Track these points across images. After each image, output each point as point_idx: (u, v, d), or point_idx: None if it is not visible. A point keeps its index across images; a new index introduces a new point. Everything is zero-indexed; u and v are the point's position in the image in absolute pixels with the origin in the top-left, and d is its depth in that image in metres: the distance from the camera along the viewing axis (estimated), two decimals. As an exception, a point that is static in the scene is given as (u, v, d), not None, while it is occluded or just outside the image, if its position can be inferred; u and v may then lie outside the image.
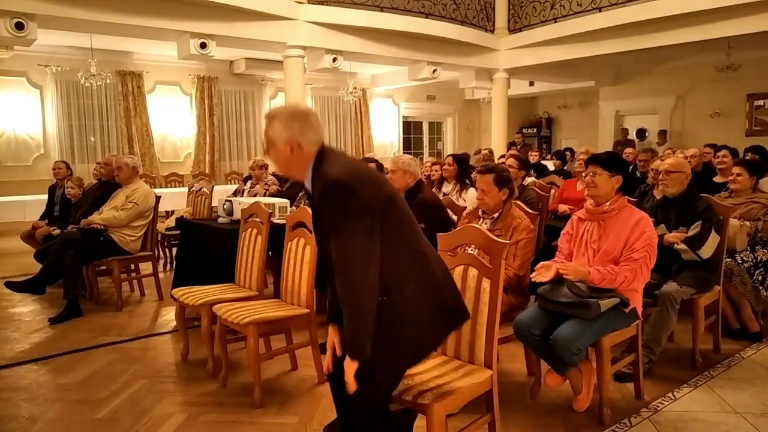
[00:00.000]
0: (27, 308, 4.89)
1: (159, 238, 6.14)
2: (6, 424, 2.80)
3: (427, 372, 2.23)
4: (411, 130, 14.53)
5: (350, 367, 1.77)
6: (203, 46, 7.47)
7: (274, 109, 1.98)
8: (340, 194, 1.77)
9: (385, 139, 13.71)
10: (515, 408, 2.84)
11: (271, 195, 5.80)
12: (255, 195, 5.87)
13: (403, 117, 14.17)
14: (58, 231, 5.42)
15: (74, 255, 4.58)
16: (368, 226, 1.77)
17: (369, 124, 13.15)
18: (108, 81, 9.10)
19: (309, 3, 8.22)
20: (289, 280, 3.27)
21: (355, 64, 10.26)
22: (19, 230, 6.42)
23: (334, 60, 8.73)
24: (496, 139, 10.88)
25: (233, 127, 11.36)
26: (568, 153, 9.63)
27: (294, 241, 3.30)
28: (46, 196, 6.30)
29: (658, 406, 2.86)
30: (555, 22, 9.49)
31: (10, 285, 4.62)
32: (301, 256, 3.22)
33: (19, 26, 6.25)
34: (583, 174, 3.85)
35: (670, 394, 2.99)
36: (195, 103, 10.81)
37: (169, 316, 4.55)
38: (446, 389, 2.09)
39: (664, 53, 9.62)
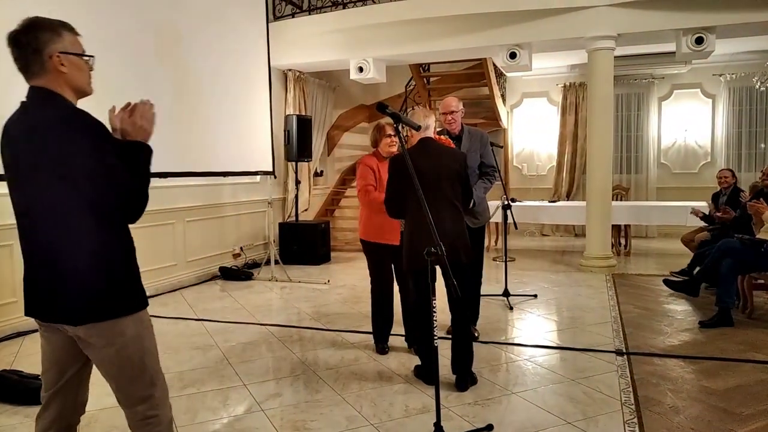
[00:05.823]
0: (680, 307, 5.19)
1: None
2: (652, 406, 3.12)
3: None
4: None
5: None
6: None
7: None
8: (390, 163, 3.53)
9: None
10: None
11: None
12: None
13: None
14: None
15: (731, 264, 4.55)
16: (391, 184, 3.45)
17: None
18: (786, 82, 8.42)
19: None
20: None
21: None
22: (680, 233, 6.88)
23: None
24: None
25: None
26: None
27: None
28: (706, 203, 6.45)
29: None
30: None
31: (667, 282, 5.04)
32: None
33: (699, 41, 6.52)
34: None
35: None
36: None
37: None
38: None
39: None
